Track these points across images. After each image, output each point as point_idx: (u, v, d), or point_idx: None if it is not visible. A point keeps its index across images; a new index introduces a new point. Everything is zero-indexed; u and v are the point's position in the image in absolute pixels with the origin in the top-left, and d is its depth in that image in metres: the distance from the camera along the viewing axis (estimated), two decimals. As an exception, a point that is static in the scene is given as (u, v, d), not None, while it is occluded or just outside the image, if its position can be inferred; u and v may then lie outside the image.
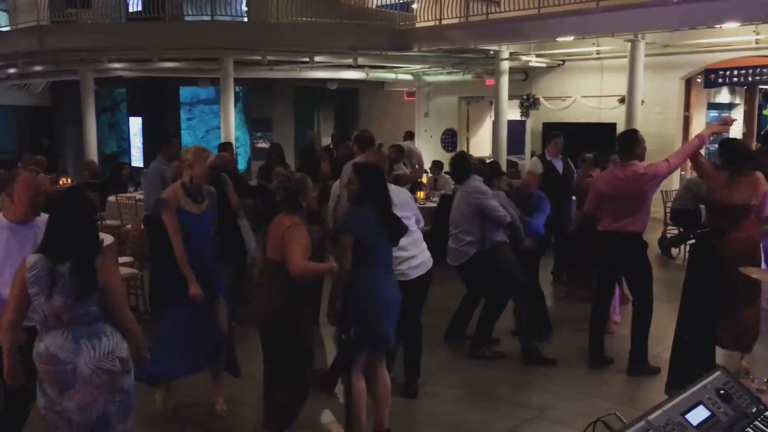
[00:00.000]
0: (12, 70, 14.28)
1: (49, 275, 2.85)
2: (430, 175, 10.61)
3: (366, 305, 3.75)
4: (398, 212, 3.99)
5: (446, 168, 11.30)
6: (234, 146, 9.20)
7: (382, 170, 4.01)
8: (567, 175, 7.53)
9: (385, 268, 3.84)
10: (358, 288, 3.74)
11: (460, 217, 5.24)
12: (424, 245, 4.47)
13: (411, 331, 4.57)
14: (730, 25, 9.37)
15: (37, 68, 14.02)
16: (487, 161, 7.90)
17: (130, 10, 12.86)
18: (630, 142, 4.84)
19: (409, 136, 13.65)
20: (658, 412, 1.70)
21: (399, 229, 3.88)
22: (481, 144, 15.89)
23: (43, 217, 3.47)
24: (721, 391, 1.79)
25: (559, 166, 7.56)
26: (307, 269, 3.56)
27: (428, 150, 14.86)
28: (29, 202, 3.41)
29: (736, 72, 11.31)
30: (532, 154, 7.64)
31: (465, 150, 13.80)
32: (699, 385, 1.79)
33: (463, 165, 5.41)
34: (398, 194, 4.24)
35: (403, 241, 4.05)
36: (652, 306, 4.98)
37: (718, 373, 1.84)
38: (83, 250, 2.93)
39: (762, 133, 14.58)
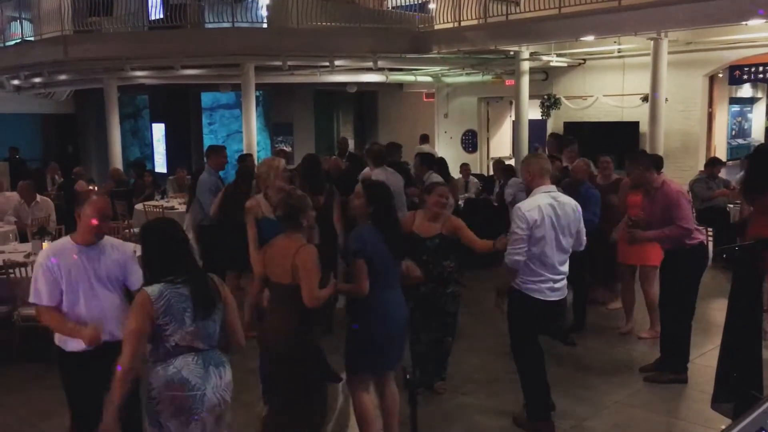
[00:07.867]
0: (37, 80, 14.48)
1: (178, 300, 2.78)
2: (459, 176, 10.51)
3: (373, 331, 3.71)
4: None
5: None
6: (254, 157, 9.11)
7: (389, 189, 4.00)
8: None
9: (390, 286, 3.79)
10: (367, 310, 3.70)
11: None
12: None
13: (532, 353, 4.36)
14: (755, 22, 9.23)
15: (62, 77, 14.21)
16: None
17: (152, 18, 12.96)
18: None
19: (425, 139, 13.34)
20: (720, 439, 1.70)
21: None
22: (501, 144, 15.85)
23: (109, 239, 3.44)
24: (782, 416, 1.78)
25: None
26: (321, 299, 3.51)
27: (449, 151, 14.83)
28: (88, 226, 3.28)
29: (761, 68, 11.15)
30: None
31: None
32: (759, 411, 1.79)
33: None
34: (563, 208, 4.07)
35: (558, 258, 4.02)
36: None
37: (776, 397, 1.84)
38: (192, 264, 2.92)
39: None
